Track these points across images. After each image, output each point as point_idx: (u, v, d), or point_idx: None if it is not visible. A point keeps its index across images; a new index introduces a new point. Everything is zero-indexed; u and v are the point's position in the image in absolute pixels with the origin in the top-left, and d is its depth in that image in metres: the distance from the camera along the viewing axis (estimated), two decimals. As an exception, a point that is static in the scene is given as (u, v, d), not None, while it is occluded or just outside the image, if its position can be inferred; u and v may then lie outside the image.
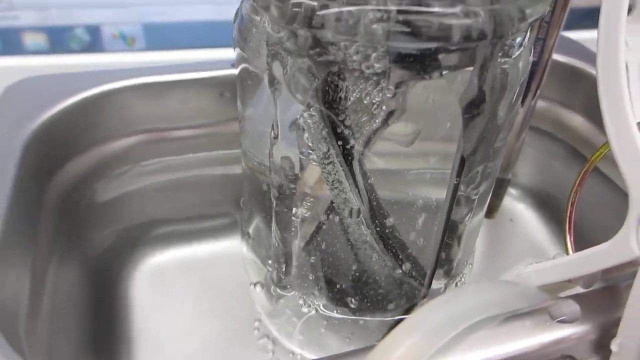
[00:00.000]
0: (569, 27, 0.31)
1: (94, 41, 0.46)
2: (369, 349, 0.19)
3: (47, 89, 0.31)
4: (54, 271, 0.29)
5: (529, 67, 0.23)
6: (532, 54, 0.24)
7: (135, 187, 0.35)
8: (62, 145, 0.31)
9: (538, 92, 0.32)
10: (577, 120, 0.38)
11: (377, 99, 0.21)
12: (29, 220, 0.27)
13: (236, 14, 0.23)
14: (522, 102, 0.32)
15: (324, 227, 0.26)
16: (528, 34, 0.22)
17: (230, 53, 0.25)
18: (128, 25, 0.46)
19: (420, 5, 0.17)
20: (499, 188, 0.35)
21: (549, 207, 0.40)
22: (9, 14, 0.43)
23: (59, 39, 0.45)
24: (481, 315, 0.20)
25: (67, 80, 0.32)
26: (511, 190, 0.41)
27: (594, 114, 0.37)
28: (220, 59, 0.33)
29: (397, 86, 0.20)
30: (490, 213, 0.36)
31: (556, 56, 0.35)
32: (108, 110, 0.32)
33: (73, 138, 0.32)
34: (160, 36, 0.47)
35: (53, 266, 0.29)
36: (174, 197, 0.37)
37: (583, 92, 0.37)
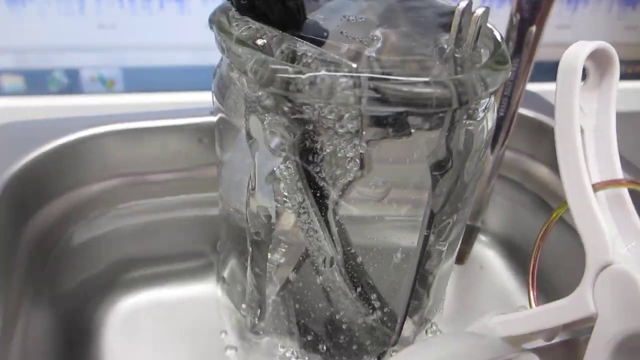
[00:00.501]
0: (535, 79, 0.32)
1: (72, 83, 0.46)
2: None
3: (25, 135, 0.31)
4: (25, 315, 0.28)
5: (494, 125, 0.24)
6: (496, 111, 0.25)
7: (111, 229, 0.35)
8: (39, 190, 0.31)
9: (506, 142, 0.33)
10: (543, 171, 0.39)
11: (350, 154, 0.22)
12: (3, 264, 0.27)
13: (215, 72, 0.24)
14: (492, 150, 0.33)
15: (298, 273, 0.26)
16: (492, 97, 0.23)
17: (208, 96, 0.25)
18: (107, 69, 0.46)
19: (390, 74, 0.18)
20: (469, 235, 0.36)
21: (518, 254, 0.41)
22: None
23: (36, 82, 0.45)
24: (448, 367, 0.21)
25: (45, 126, 0.32)
26: (482, 237, 0.42)
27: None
28: (198, 102, 0.34)
29: (368, 143, 0.21)
30: (460, 260, 0.36)
31: (523, 110, 0.37)
32: (86, 156, 0.32)
33: (49, 184, 0.31)
34: (139, 80, 0.47)
35: (24, 310, 0.28)
36: (150, 239, 0.37)
37: (549, 145, 0.38)
